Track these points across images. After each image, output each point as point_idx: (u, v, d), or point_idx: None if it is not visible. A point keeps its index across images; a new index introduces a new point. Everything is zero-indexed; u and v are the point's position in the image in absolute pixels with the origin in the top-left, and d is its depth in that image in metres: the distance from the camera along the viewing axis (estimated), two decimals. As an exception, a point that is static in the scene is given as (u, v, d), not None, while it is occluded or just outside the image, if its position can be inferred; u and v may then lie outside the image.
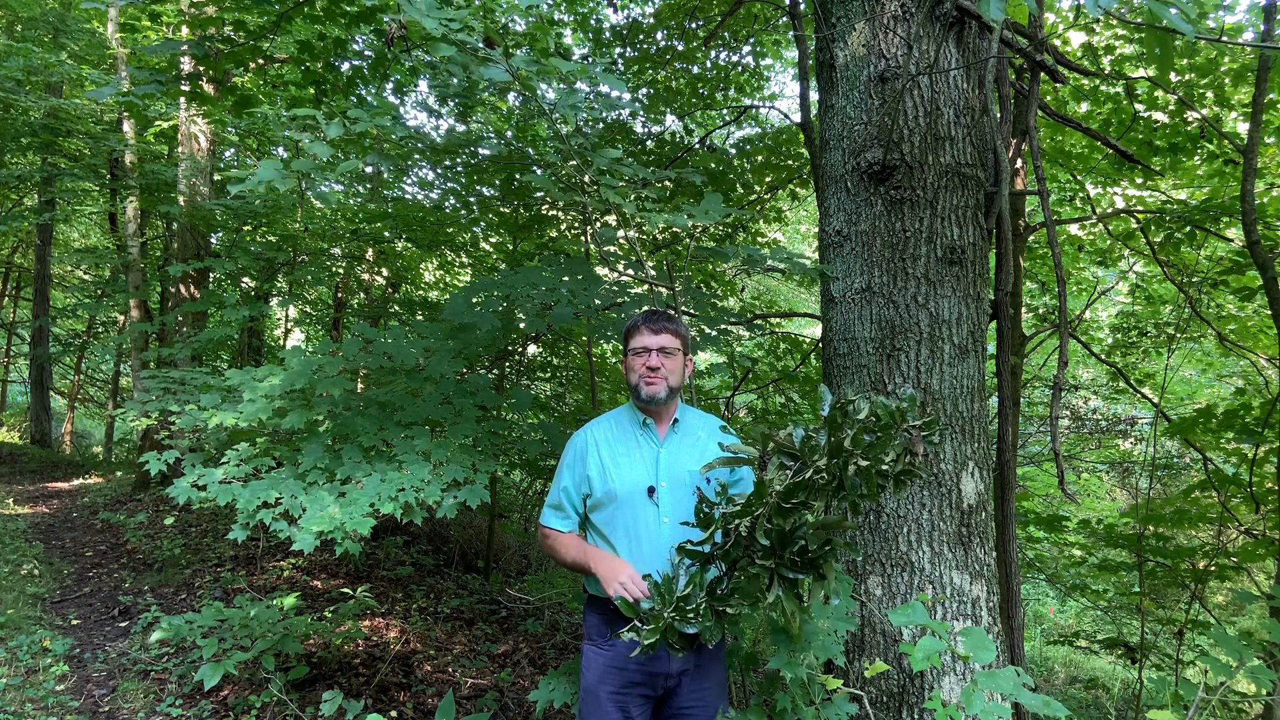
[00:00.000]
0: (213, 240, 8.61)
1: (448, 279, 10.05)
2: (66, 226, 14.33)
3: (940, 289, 3.03)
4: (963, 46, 3.23)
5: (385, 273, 9.66)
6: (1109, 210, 6.30)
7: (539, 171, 3.55)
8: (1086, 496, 8.81)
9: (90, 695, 3.89)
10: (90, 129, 8.74)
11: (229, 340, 8.10)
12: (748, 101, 7.13)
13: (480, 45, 2.67)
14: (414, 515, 2.94)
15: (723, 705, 2.34)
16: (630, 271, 3.80)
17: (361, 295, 10.00)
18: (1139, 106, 5.14)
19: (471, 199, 6.54)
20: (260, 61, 5.00)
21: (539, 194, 5.86)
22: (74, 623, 4.83)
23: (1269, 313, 4.77)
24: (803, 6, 4.68)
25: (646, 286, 3.74)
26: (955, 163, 3.10)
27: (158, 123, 9.01)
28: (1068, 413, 9.98)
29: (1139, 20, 3.51)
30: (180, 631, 3.91)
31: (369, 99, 5.57)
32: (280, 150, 9.26)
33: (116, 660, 4.28)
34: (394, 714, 3.91)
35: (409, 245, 7.83)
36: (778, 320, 7.37)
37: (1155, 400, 5.76)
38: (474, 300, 3.71)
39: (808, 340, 6.42)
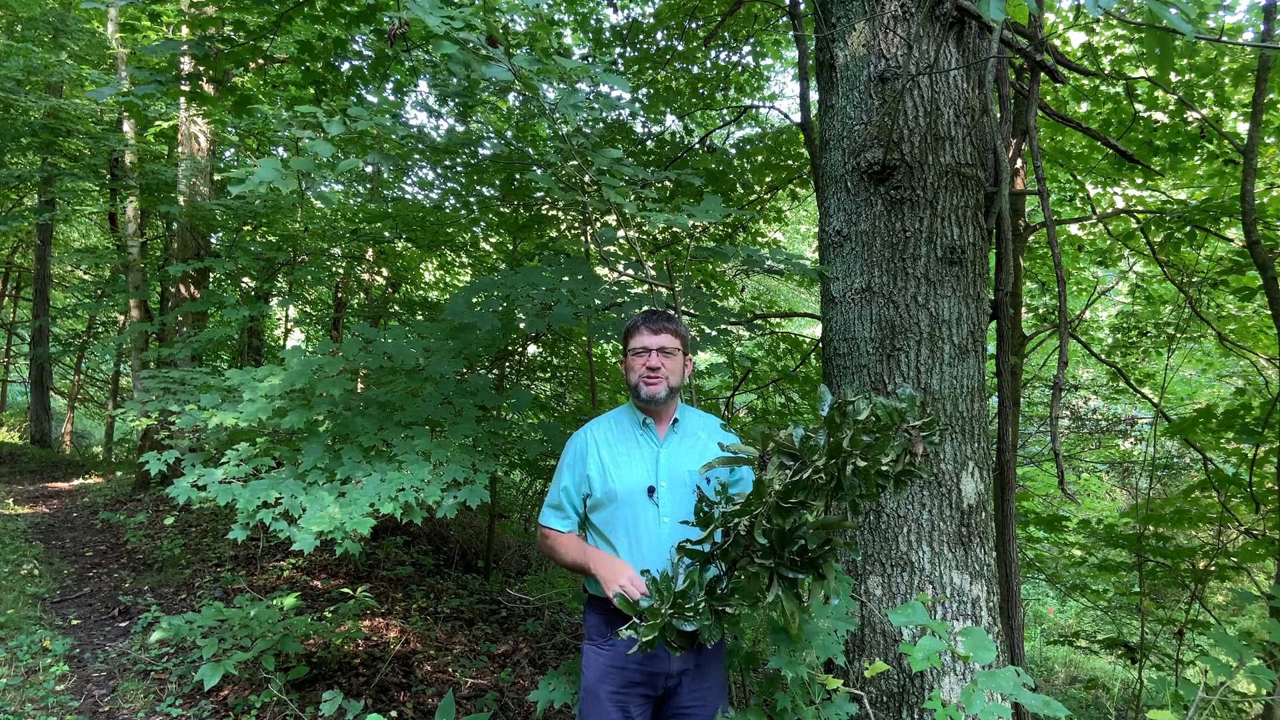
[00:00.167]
0: (213, 240, 8.61)
1: (448, 279, 10.05)
2: (66, 226, 14.33)
3: (940, 289, 3.03)
4: (963, 46, 3.23)
5: (385, 273, 9.66)
6: (1109, 210, 6.30)
7: (539, 171, 3.55)
8: (1086, 496, 8.81)
9: (90, 695, 3.89)
10: (90, 129, 8.74)
11: (229, 340, 8.10)
12: (748, 101, 7.13)
13: (483, 44, 2.67)
14: (414, 515, 2.94)
15: (723, 705, 2.34)
16: (630, 271, 3.80)
17: (361, 295, 10.00)
18: (1139, 106, 5.14)
19: (471, 199, 6.54)
20: (260, 61, 5.00)
21: (539, 194, 5.86)
22: (74, 623, 4.83)
23: (1269, 313, 4.77)
24: (803, 6, 4.68)
25: (646, 286, 3.74)
26: (955, 163, 3.10)
27: (158, 123, 9.01)
28: (1068, 413, 9.99)
29: (1139, 20, 3.51)
30: (180, 631, 3.91)
31: (369, 99, 5.58)
32: (280, 150, 9.25)
33: (116, 660, 4.28)
34: (394, 714, 3.91)
35: (409, 245, 7.83)
36: (778, 320, 7.37)
37: (1155, 400, 5.76)
38: (474, 300, 3.71)
39: (808, 340, 6.42)
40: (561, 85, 3.10)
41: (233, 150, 10.67)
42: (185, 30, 6.84)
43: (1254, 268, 4.47)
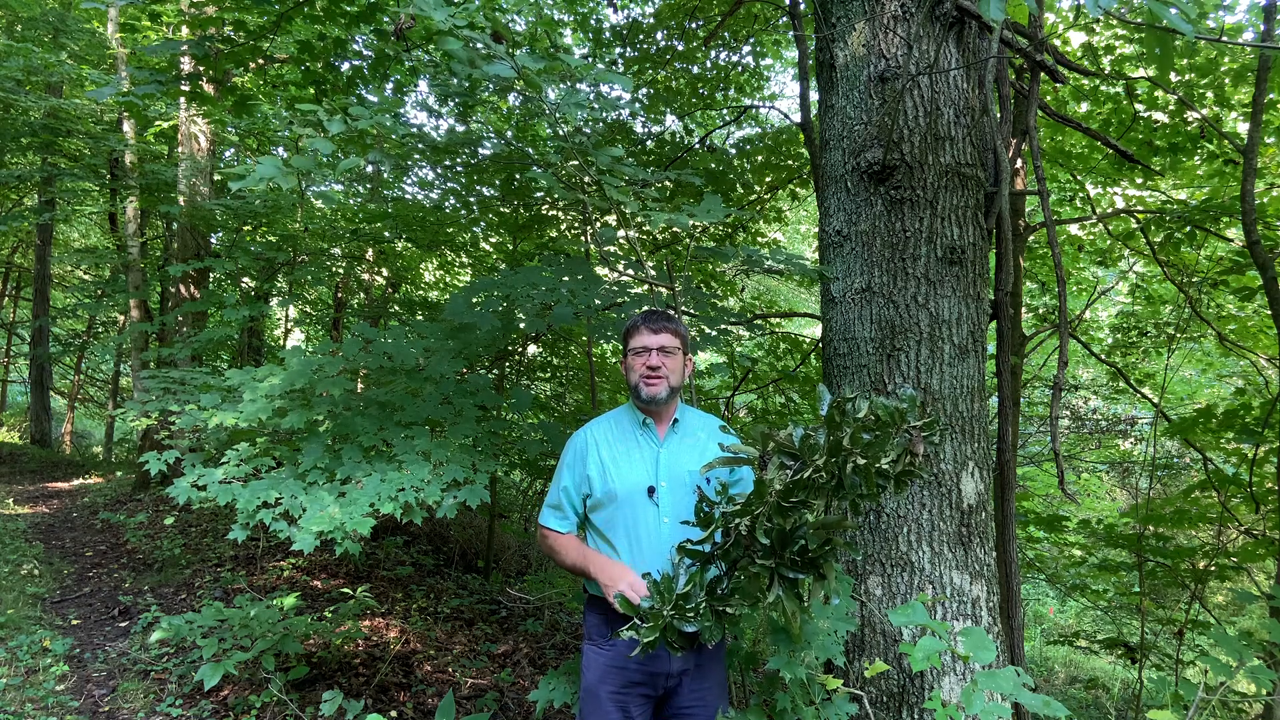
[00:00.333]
0: (213, 240, 8.61)
1: (448, 279, 10.05)
2: (66, 226, 14.33)
3: (940, 289, 3.03)
4: (963, 46, 3.23)
5: (385, 273, 9.66)
6: (1109, 210, 6.30)
7: (539, 171, 3.55)
8: (1086, 496, 8.81)
9: (90, 695, 3.89)
10: (90, 129, 8.74)
11: (229, 340, 8.10)
12: (748, 101, 7.13)
13: (488, 41, 2.67)
14: (414, 515, 2.94)
15: (723, 705, 2.34)
16: (630, 271, 3.80)
17: (361, 295, 10.00)
18: (1139, 106, 5.14)
19: (471, 199, 6.54)
20: (260, 61, 5.00)
21: (539, 194, 5.87)
22: (74, 623, 4.83)
23: (1269, 313, 4.77)
24: (803, 6, 4.68)
25: (646, 286, 3.74)
26: (955, 163, 3.10)
27: (158, 123, 9.01)
28: (1068, 413, 9.99)
29: (1139, 20, 3.51)
30: (180, 631, 3.91)
31: (369, 99, 5.57)
32: (280, 150, 9.25)
33: (116, 660, 4.28)
34: (394, 714, 3.91)
35: (409, 245, 7.83)
36: (778, 320, 7.37)
37: (1155, 400, 5.76)
38: (474, 300, 3.71)
39: (808, 340, 6.42)
40: (563, 85, 3.10)
41: (233, 150, 10.67)
42: (185, 30, 6.84)
43: (1254, 268, 4.47)
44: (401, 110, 8.32)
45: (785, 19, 5.97)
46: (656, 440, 2.37)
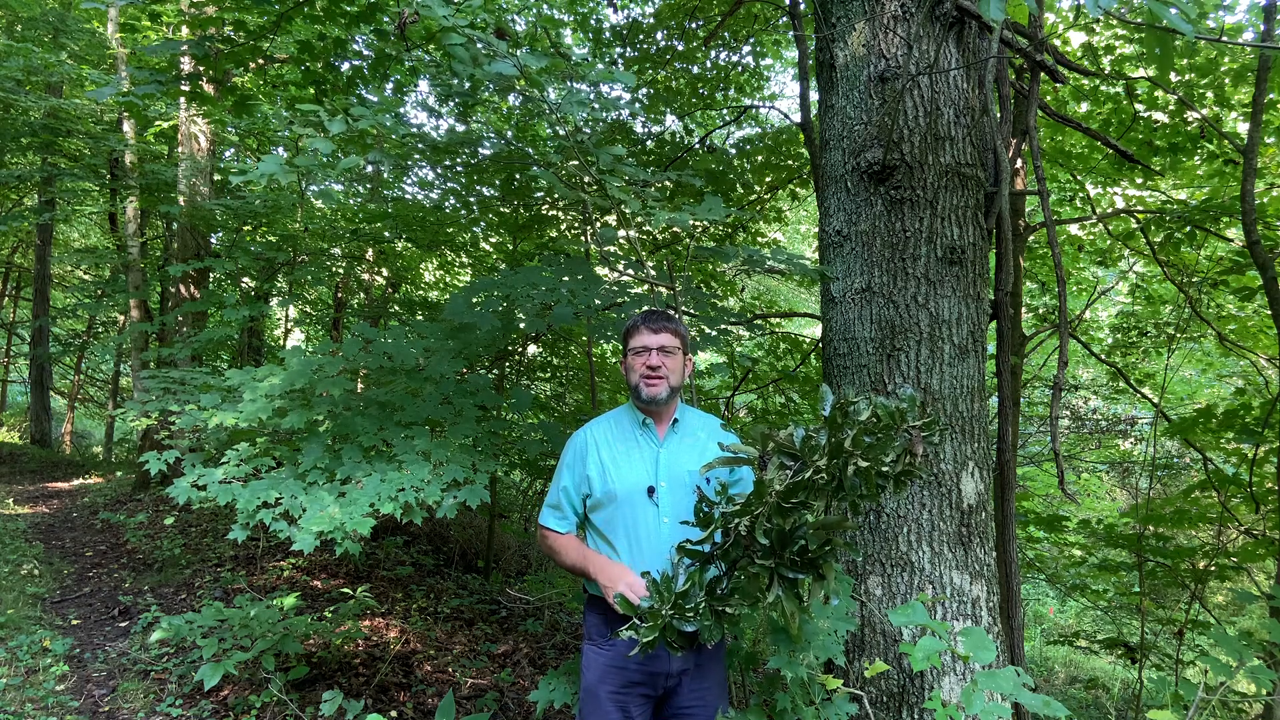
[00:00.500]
0: (213, 240, 8.61)
1: (448, 279, 10.05)
2: (66, 226, 14.33)
3: (940, 289, 3.03)
4: (963, 46, 3.23)
5: (385, 273, 9.66)
6: (1109, 210, 6.30)
7: (540, 170, 3.55)
8: (1086, 496, 8.81)
9: (90, 695, 3.89)
10: (90, 129, 8.74)
11: (229, 340, 8.10)
12: (748, 101, 7.13)
13: (490, 39, 2.67)
14: (414, 515, 2.94)
15: (723, 705, 2.34)
16: (630, 271, 3.80)
17: (361, 295, 10.00)
18: (1139, 106, 5.14)
19: (471, 199, 6.54)
20: (260, 61, 5.00)
21: (539, 194, 5.86)
22: (74, 623, 4.83)
23: (1269, 313, 4.77)
24: (803, 6, 4.68)
25: (646, 286, 3.74)
26: (955, 163, 3.10)
27: (158, 123, 9.01)
28: (1068, 413, 9.99)
29: (1139, 20, 3.51)
30: (180, 631, 3.91)
31: (369, 99, 5.57)
32: (280, 150, 9.25)
33: (116, 660, 4.28)
34: (394, 714, 3.91)
35: (409, 245, 7.83)
36: (778, 320, 7.37)
37: (1155, 400, 5.76)
38: (474, 300, 3.71)
39: (808, 340, 6.42)
40: (564, 84, 3.10)
41: (233, 150, 10.67)
42: (185, 30, 6.84)
43: (1254, 268, 4.47)
44: (401, 110, 8.32)
45: (785, 19, 5.97)
46: (656, 440, 2.37)
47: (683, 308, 3.34)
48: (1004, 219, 3.23)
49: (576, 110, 2.93)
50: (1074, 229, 6.47)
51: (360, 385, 5.16)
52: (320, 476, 3.12)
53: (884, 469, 1.80)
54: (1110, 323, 8.49)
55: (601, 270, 4.03)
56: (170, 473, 4.84)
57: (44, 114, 8.18)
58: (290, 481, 3.10)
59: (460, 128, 7.40)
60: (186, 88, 5.06)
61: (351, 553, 2.93)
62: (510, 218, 6.41)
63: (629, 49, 6.55)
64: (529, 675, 4.65)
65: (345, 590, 4.91)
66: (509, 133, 7.19)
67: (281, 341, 11.87)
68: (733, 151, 6.65)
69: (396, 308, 8.50)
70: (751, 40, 6.67)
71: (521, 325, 3.82)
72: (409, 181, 7.83)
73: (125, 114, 8.23)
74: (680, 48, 6.47)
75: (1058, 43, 6.04)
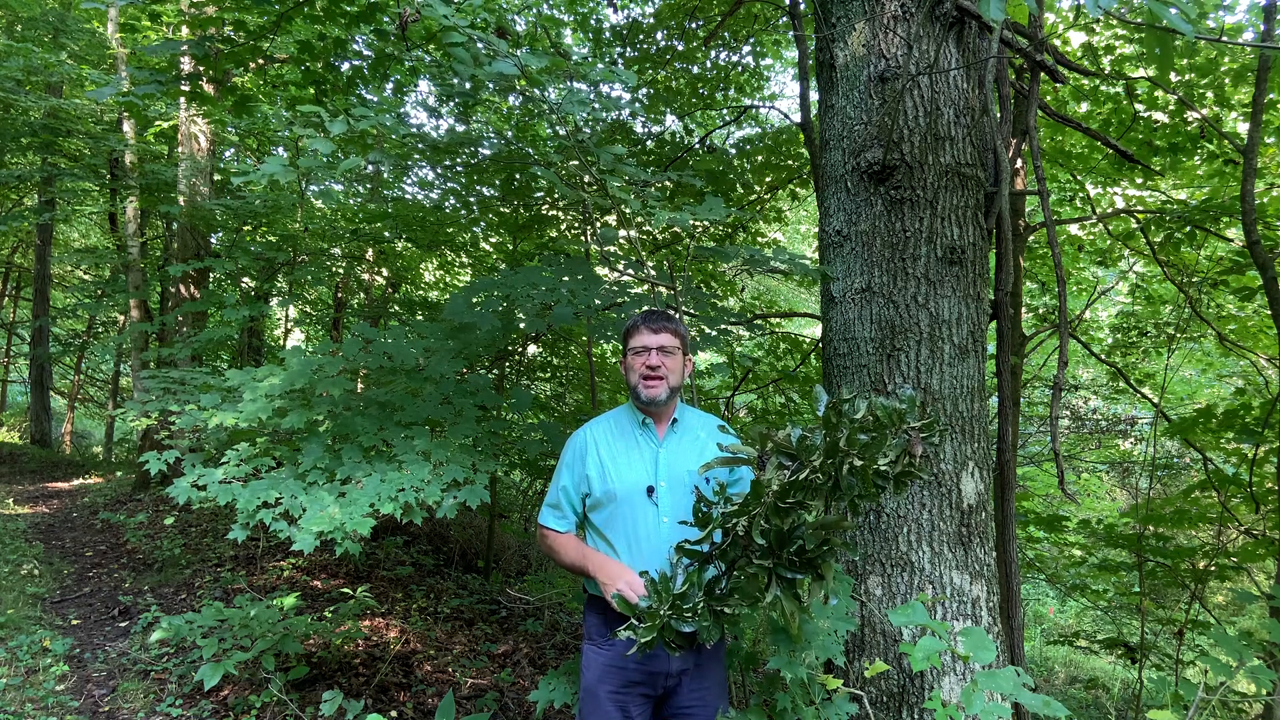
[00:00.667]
0: (213, 240, 8.61)
1: (448, 279, 10.05)
2: (66, 226, 14.33)
3: (940, 289, 3.03)
4: (963, 46, 3.23)
5: (385, 273, 9.66)
6: (1109, 210, 6.30)
7: (540, 170, 3.55)
8: (1086, 496, 8.81)
9: (90, 695, 3.89)
10: (90, 129, 8.74)
11: (229, 340, 8.10)
12: (748, 101, 7.13)
13: (491, 39, 2.67)
14: (414, 515, 2.94)
15: (723, 705, 2.34)
16: (630, 271, 3.80)
17: (361, 295, 10.00)
18: (1139, 106, 5.14)
19: (471, 199, 6.54)
20: (260, 61, 5.00)
21: (539, 194, 5.86)
22: (74, 623, 4.83)
23: (1269, 313, 4.77)
24: (803, 6, 4.68)
25: (646, 286, 3.74)
26: (955, 163, 3.10)
27: (158, 123, 9.01)
28: (1068, 413, 9.98)
29: (1139, 20, 3.51)
30: (180, 631, 3.91)
31: (369, 99, 5.57)
32: (280, 150, 9.26)
33: (116, 660, 4.28)
34: (394, 714, 3.91)
35: (409, 245, 7.83)
36: (778, 320, 7.37)
37: (1155, 400, 5.76)
38: (474, 300, 3.71)
39: (808, 340, 6.42)
40: (565, 84, 3.11)
41: (233, 150, 10.67)
42: (185, 30, 6.84)
43: (1254, 268, 4.47)
44: (402, 110, 8.31)
45: (785, 19, 5.97)
46: (656, 440, 2.37)
47: (683, 308, 3.34)
48: (1004, 219, 3.23)
49: (577, 110, 2.93)
50: (1074, 229, 6.47)
51: (360, 385, 5.16)
52: (320, 476, 3.12)
53: (881, 468, 1.80)
54: (1110, 323, 8.49)
55: (601, 270, 4.03)
56: (170, 473, 4.84)
57: (44, 114, 8.18)
58: (290, 481, 3.10)
59: (460, 128, 7.40)
60: (186, 88, 5.06)
61: (351, 553, 2.93)
62: (510, 218, 6.41)
63: (629, 49, 6.55)
64: (529, 675, 4.65)
65: (345, 590, 4.91)
66: (509, 133, 7.20)
67: (281, 341, 11.87)
68: (733, 151, 6.66)
69: (396, 308, 8.51)
70: (751, 40, 6.67)
71: (521, 325, 3.82)
72: (409, 181, 7.84)
73: (125, 114, 8.24)
74: (680, 48, 6.47)
75: (1058, 43, 6.04)
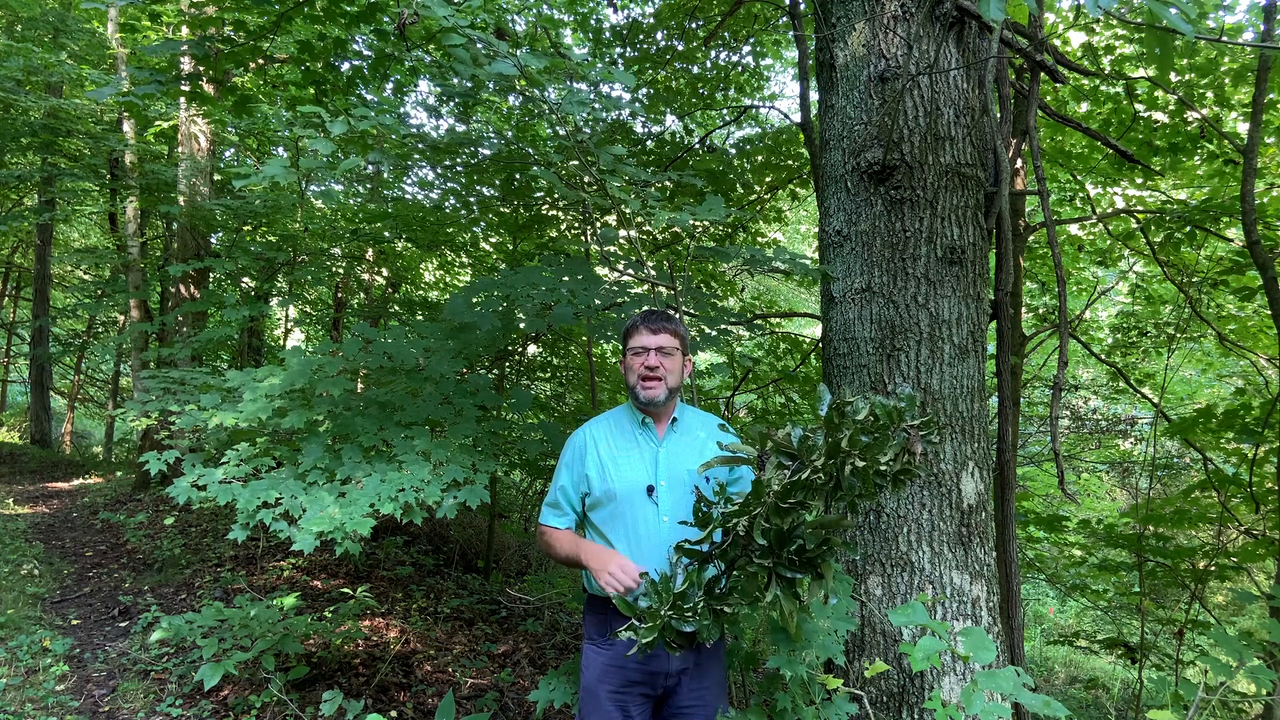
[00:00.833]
0: (213, 240, 8.61)
1: (448, 279, 10.05)
2: (66, 226, 14.33)
3: (940, 289, 3.03)
4: (963, 46, 3.23)
5: (385, 273, 9.66)
6: (1109, 210, 6.30)
7: (540, 169, 3.56)
8: (1086, 496, 8.81)
9: (90, 695, 3.89)
10: (90, 129, 8.74)
11: (229, 340, 8.10)
12: (748, 101, 7.13)
13: (490, 39, 2.67)
14: (414, 515, 2.94)
15: (722, 704, 2.34)
16: (630, 271, 3.80)
17: (361, 295, 10.00)
18: (1139, 106, 5.14)
19: (471, 199, 6.54)
20: (260, 61, 5.00)
21: (539, 194, 5.86)
22: (74, 623, 4.83)
23: (1269, 313, 4.77)
24: (803, 6, 4.68)
25: (646, 286, 3.74)
26: (955, 163, 3.10)
27: (158, 123, 9.01)
28: (1068, 413, 9.98)
29: (1139, 20, 3.51)
30: (180, 631, 3.91)
31: (369, 99, 5.57)
32: (280, 150, 9.26)
33: (116, 660, 4.28)
34: (394, 714, 3.91)
35: (409, 245, 7.83)
36: (778, 320, 7.37)
37: (1155, 400, 5.76)
38: (474, 300, 3.71)
39: (808, 340, 6.42)
40: (565, 83, 3.10)
41: (233, 150, 10.67)
42: (185, 30, 6.84)
43: (1254, 268, 4.47)
44: (402, 110, 8.32)
45: (785, 19, 5.97)
46: (655, 439, 2.37)
47: (683, 308, 3.34)
48: (1004, 219, 3.23)
49: (577, 110, 2.93)
50: (1074, 229, 6.47)
51: (360, 385, 5.16)
52: (320, 476, 3.12)
53: (881, 469, 1.80)
54: (1110, 323, 8.49)
55: (601, 270, 4.03)
56: (170, 473, 4.84)
57: (44, 114, 8.18)
58: (290, 481, 3.10)
59: (460, 128, 7.40)
60: (186, 88, 5.06)
61: (351, 553, 2.93)
62: (510, 218, 6.41)
63: (629, 49, 6.55)
64: (529, 675, 4.65)
65: (345, 590, 4.91)
66: (509, 133, 7.19)
67: (281, 341, 11.88)
68: (733, 151, 6.66)
69: (396, 308, 8.51)
70: (751, 40, 6.67)
71: (521, 325, 3.82)
72: (409, 181, 7.84)
73: (125, 114, 8.24)
74: (680, 48, 6.47)
75: (1058, 43, 6.04)
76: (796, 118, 5.17)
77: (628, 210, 2.97)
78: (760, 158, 6.49)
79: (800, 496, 1.81)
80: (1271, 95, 4.68)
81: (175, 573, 5.78)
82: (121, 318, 12.02)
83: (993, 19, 1.94)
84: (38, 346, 12.61)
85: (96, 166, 9.37)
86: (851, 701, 2.32)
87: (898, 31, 3.13)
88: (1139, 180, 6.08)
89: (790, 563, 1.87)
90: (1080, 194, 6.25)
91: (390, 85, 6.58)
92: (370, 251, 8.83)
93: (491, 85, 3.09)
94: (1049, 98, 5.50)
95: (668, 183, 5.55)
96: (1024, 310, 6.12)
